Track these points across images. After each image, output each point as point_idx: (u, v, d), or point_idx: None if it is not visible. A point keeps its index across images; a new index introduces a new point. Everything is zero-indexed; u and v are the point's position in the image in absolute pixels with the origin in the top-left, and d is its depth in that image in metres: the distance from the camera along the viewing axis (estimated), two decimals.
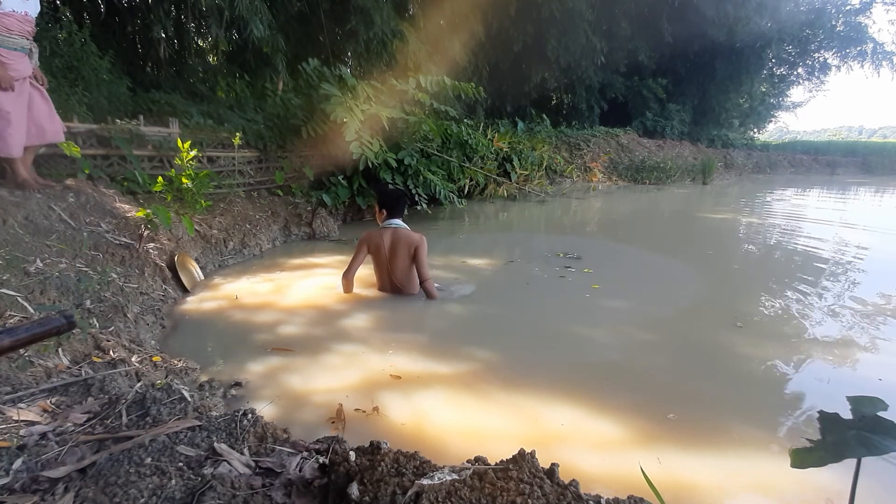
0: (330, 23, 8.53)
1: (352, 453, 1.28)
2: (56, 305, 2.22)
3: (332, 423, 1.82)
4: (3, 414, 1.44)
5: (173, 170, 4.30)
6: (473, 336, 2.74)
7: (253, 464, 1.31)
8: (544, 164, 10.03)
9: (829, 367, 2.53)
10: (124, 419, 1.48)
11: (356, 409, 1.93)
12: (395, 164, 5.90)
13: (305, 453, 1.37)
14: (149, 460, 1.25)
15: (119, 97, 5.66)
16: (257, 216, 4.86)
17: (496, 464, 1.25)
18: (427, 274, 3.23)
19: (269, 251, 4.59)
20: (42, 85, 3.32)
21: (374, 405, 1.95)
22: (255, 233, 4.55)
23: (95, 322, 2.28)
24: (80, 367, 1.87)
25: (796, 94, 56.71)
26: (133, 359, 2.05)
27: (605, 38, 13.34)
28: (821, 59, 19.43)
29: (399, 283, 3.27)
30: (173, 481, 1.17)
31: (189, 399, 1.63)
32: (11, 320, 1.97)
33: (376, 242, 3.26)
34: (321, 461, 1.31)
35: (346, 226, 6.02)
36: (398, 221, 3.28)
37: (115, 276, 2.77)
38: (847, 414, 0.84)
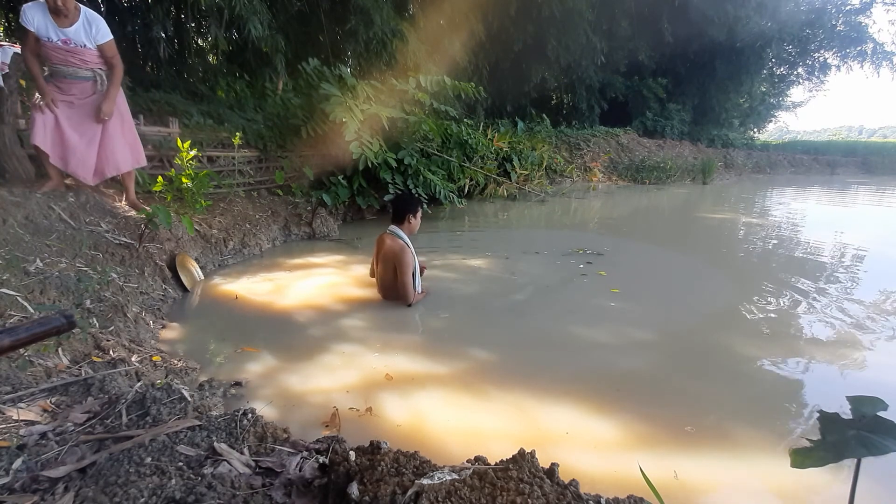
0: (330, 23, 8.53)
1: (352, 453, 1.28)
2: (56, 305, 2.22)
3: (326, 426, 1.81)
4: (3, 414, 1.44)
5: (173, 169, 4.30)
6: (477, 337, 2.74)
7: (253, 463, 1.31)
8: (544, 164, 10.03)
9: (833, 368, 2.53)
10: (124, 419, 1.48)
11: (356, 410, 1.93)
12: (395, 164, 5.90)
13: (305, 453, 1.37)
14: (149, 460, 1.25)
15: None
16: (257, 216, 4.86)
17: (496, 464, 1.25)
18: (406, 289, 3.07)
19: (269, 251, 4.59)
20: (103, 120, 3.40)
21: (369, 406, 1.94)
22: (255, 232, 4.54)
23: (95, 322, 2.28)
24: (80, 366, 1.88)
25: (796, 93, 56.74)
26: (133, 358, 2.05)
27: (605, 38, 13.34)
28: (821, 58, 19.43)
29: (379, 288, 3.28)
30: (173, 481, 1.17)
31: (189, 399, 1.62)
32: (11, 320, 1.97)
33: (376, 245, 3.29)
34: (321, 461, 1.31)
35: (346, 225, 6.02)
36: (392, 227, 3.20)
37: (115, 275, 2.77)
38: (847, 414, 0.84)
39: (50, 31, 3.10)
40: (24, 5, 3.05)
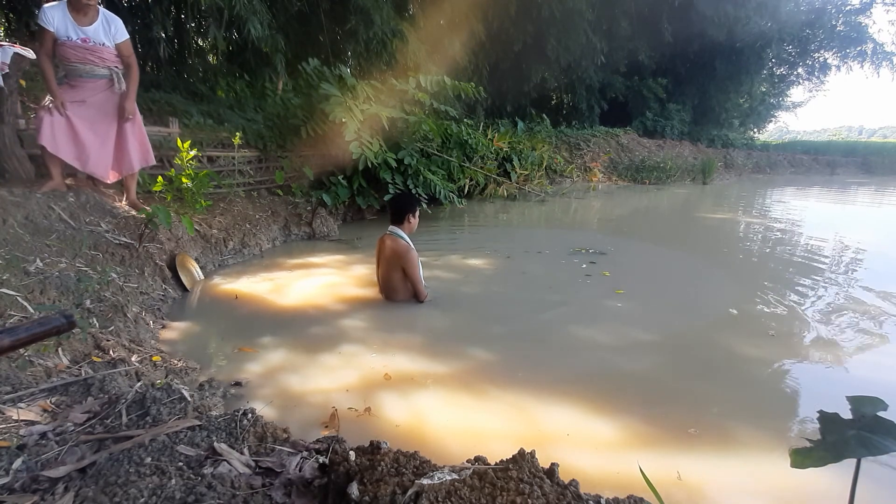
0: (330, 23, 8.53)
1: (352, 453, 1.28)
2: (56, 305, 2.22)
3: (326, 426, 1.81)
4: (3, 414, 1.44)
5: (173, 169, 4.30)
6: (477, 337, 2.74)
7: (253, 463, 1.31)
8: (544, 164, 10.03)
9: (833, 368, 2.53)
10: (124, 419, 1.48)
11: (355, 410, 1.93)
12: (394, 164, 5.90)
13: (305, 453, 1.37)
14: (149, 460, 1.25)
15: None
16: (257, 216, 4.86)
17: (496, 464, 1.25)
18: (418, 287, 3.12)
19: (269, 251, 4.59)
20: (127, 119, 3.46)
21: (368, 405, 1.94)
22: (255, 232, 4.54)
23: (95, 322, 2.28)
24: (80, 366, 1.87)
25: (796, 94, 56.68)
26: (133, 358, 2.05)
27: (605, 38, 13.34)
28: (821, 59, 19.45)
29: (381, 288, 3.27)
30: (173, 481, 1.17)
31: (189, 399, 1.62)
32: (11, 320, 1.97)
33: (378, 245, 3.28)
34: (321, 461, 1.31)
35: (346, 225, 6.02)
36: (392, 227, 3.18)
37: (114, 275, 2.77)
38: (847, 414, 0.84)
39: (70, 30, 3.14)
40: (44, 6, 3.08)
